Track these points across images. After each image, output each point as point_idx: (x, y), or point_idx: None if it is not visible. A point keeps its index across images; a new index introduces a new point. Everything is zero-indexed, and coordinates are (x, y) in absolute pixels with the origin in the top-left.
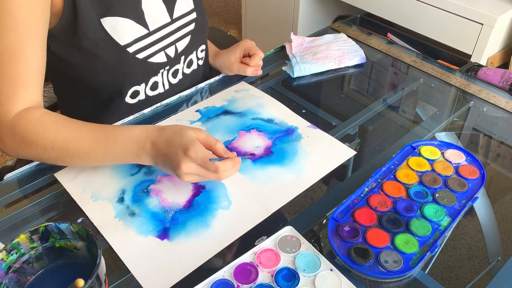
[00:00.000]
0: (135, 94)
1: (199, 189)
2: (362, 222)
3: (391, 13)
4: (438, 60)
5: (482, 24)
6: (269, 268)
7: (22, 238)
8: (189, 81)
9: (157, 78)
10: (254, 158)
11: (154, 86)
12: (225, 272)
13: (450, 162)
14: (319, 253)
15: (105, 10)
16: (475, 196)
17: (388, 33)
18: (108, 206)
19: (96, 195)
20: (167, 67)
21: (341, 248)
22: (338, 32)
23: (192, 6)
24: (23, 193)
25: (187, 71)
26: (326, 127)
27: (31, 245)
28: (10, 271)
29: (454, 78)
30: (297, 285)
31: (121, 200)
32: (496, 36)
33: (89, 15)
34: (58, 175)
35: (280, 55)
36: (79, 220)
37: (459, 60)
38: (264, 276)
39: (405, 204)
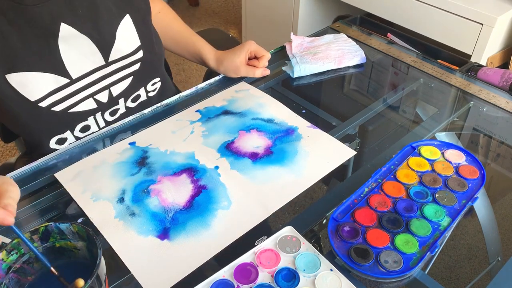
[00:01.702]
0: (62, 141)
1: (199, 189)
2: (362, 222)
3: (391, 13)
4: (438, 60)
5: (482, 24)
6: (269, 268)
7: None
8: (137, 111)
9: (87, 122)
10: (255, 158)
11: (85, 129)
12: (225, 272)
13: (450, 162)
14: (319, 253)
15: (10, 66)
16: (475, 196)
17: (388, 33)
18: (108, 206)
19: (96, 195)
20: (99, 112)
21: (341, 248)
22: (338, 32)
23: (138, 43)
24: (23, 193)
25: (132, 104)
26: (326, 127)
27: None
28: (10, 271)
29: (454, 78)
30: (297, 285)
31: (121, 200)
32: (496, 36)
33: None
34: (58, 175)
35: (280, 55)
36: (79, 220)
37: (459, 60)
38: (264, 276)
39: (405, 204)
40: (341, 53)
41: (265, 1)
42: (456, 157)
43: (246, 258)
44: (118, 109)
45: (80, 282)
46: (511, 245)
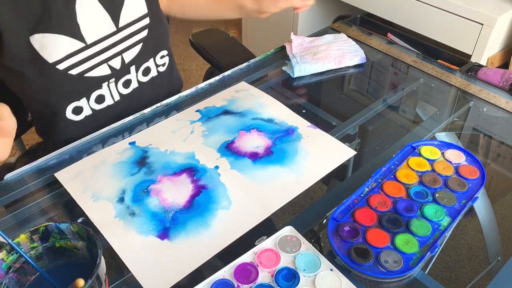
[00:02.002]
0: (78, 110)
1: (199, 189)
2: (362, 222)
3: (391, 13)
4: (438, 60)
5: (482, 24)
6: (269, 268)
7: (22, 238)
8: (148, 88)
9: (101, 91)
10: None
11: (100, 99)
12: (225, 272)
13: (450, 162)
14: (319, 253)
15: (33, 27)
16: (475, 196)
17: (388, 33)
18: (108, 206)
19: (96, 195)
20: (112, 79)
21: (341, 248)
22: (338, 32)
23: (145, 11)
24: (23, 193)
25: (144, 79)
26: (326, 127)
27: (31, 245)
28: (10, 271)
29: (454, 78)
30: (297, 285)
31: (121, 200)
32: (496, 36)
33: (16, 34)
34: (58, 175)
35: (280, 55)
36: (79, 220)
37: (459, 60)
38: (264, 276)
39: (405, 204)
40: (341, 53)
41: None
42: (456, 157)
43: (246, 258)
44: (131, 80)
45: (80, 282)
46: (511, 245)
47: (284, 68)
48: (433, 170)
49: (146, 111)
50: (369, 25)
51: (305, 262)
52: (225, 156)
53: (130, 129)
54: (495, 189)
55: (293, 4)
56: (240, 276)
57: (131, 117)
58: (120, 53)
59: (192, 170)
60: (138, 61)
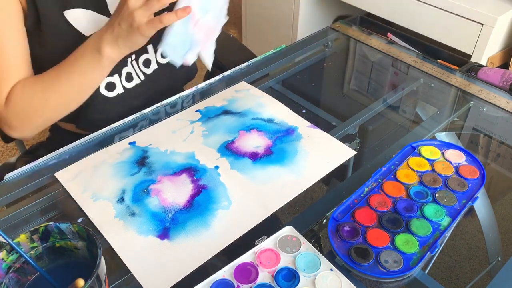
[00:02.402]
0: (111, 86)
1: (199, 189)
2: (362, 222)
3: (391, 13)
4: (438, 60)
5: (482, 24)
6: (269, 268)
7: (22, 238)
8: (167, 72)
9: (129, 68)
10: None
11: (129, 77)
12: (225, 272)
13: (450, 162)
14: (319, 253)
15: (66, 3)
16: (475, 196)
17: (388, 33)
18: (108, 206)
19: (96, 195)
20: (133, 56)
21: (341, 248)
22: (338, 32)
23: None
24: (23, 193)
25: (163, 60)
26: (326, 127)
27: (31, 245)
28: (10, 271)
29: (454, 78)
30: (297, 285)
31: (121, 200)
32: (496, 36)
33: (51, 10)
34: (58, 175)
35: (280, 55)
36: (79, 220)
37: (459, 60)
38: (264, 276)
39: (405, 204)
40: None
41: (265, 1)
42: (456, 157)
43: (246, 258)
44: (150, 60)
45: (80, 282)
46: (511, 245)
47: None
48: (433, 170)
49: (146, 111)
50: (369, 25)
51: (305, 262)
52: (225, 156)
53: (130, 129)
54: (495, 189)
55: None
56: (240, 276)
57: (131, 117)
58: None
59: (192, 170)
60: (155, 41)
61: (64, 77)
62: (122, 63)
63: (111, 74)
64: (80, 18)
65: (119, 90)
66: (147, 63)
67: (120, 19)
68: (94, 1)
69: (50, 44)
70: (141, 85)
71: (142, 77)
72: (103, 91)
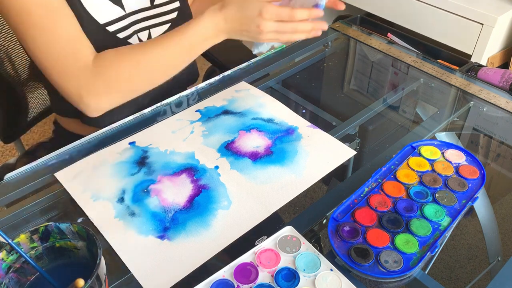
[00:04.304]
0: None
1: (199, 189)
2: (362, 222)
3: (391, 13)
4: (438, 60)
5: (482, 24)
6: (269, 268)
7: (22, 238)
8: None
9: None
10: (255, 159)
11: None
12: (225, 272)
13: (450, 162)
14: (319, 253)
15: None
16: (475, 196)
17: (388, 33)
18: (108, 206)
19: (96, 195)
20: None
21: (341, 248)
22: (338, 32)
23: None
24: (23, 193)
25: None
26: (326, 127)
27: (31, 245)
28: (10, 271)
29: (454, 78)
30: (297, 285)
31: (121, 200)
32: (496, 36)
33: None
34: (58, 175)
35: (280, 55)
36: (79, 220)
37: (459, 60)
38: (264, 276)
39: (405, 204)
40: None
41: None
42: (456, 157)
43: (246, 258)
44: None
45: (80, 282)
46: (511, 245)
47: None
48: (433, 170)
49: (146, 111)
50: (369, 25)
51: (305, 262)
52: (225, 156)
53: (130, 129)
54: (495, 189)
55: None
56: (240, 276)
57: (131, 117)
58: (148, 27)
59: (192, 170)
60: None
61: (164, 45)
62: None
63: None
64: (95, 6)
65: None
66: None
67: (246, 30)
68: None
69: None
70: None
71: None
72: None
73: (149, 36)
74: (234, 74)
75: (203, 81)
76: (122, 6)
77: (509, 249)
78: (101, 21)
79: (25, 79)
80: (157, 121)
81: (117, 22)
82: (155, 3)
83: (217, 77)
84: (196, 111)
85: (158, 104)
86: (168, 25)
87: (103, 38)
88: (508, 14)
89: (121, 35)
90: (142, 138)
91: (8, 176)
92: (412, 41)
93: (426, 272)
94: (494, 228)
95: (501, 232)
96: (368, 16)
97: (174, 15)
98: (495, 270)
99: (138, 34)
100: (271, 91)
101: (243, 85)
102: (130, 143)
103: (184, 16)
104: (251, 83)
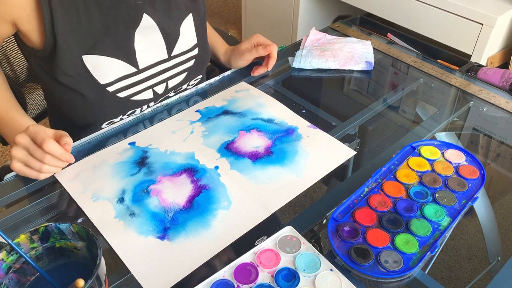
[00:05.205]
0: (112, 122)
1: (199, 189)
2: (362, 222)
3: (391, 13)
4: (438, 60)
5: (482, 24)
6: (269, 268)
7: (22, 238)
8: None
9: (137, 109)
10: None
11: (131, 113)
12: (225, 272)
13: (450, 162)
14: (319, 253)
15: (89, 47)
16: (475, 196)
17: (388, 33)
18: (108, 206)
19: (96, 195)
20: (152, 103)
21: (341, 248)
22: (338, 32)
23: (195, 41)
24: (23, 193)
25: (172, 94)
26: (326, 127)
27: (31, 245)
28: (10, 271)
29: (454, 78)
30: (297, 285)
31: (121, 200)
32: (496, 36)
33: (70, 52)
34: (58, 175)
35: (280, 55)
36: (79, 220)
37: (459, 60)
38: (264, 276)
39: (405, 204)
40: (350, 55)
41: (265, 1)
42: (456, 157)
43: (246, 258)
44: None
45: (80, 282)
46: (511, 245)
47: (289, 58)
48: (433, 170)
49: (146, 111)
50: (369, 25)
51: (305, 262)
52: (225, 156)
53: (130, 129)
54: (495, 189)
55: (258, 54)
56: (240, 276)
57: (131, 117)
58: (166, 80)
59: (192, 170)
60: (178, 86)
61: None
62: (134, 107)
63: (116, 116)
64: (98, 65)
65: (115, 121)
66: (160, 102)
67: (34, 152)
68: (120, 50)
69: (63, 84)
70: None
71: (144, 111)
72: (103, 126)
73: (166, 88)
74: (234, 74)
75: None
76: (134, 64)
77: (509, 249)
78: (102, 81)
79: (24, 80)
80: (157, 121)
81: (122, 80)
82: (172, 55)
83: (217, 77)
84: (196, 111)
85: (158, 104)
86: (185, 74)
87: (101, 98)
88: (508, 14)
89: (122, 94)
90: (142, 138)
91: (8, 176)
92: (412, 41)
93: (426, 272)
94: (494, 228)
95: (501, 232)
96: (368, 16)
97: (191, 63)
98: (495, 270)
99: (155, 88)
100: (271, 91)
101: (243, 85)
102: (130, 143)
103: (200, 62)
104: (251, 83)
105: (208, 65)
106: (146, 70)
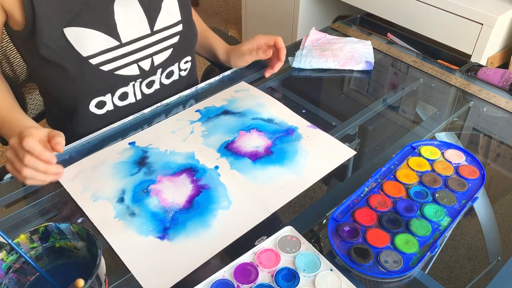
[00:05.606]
0: (101, 104)
1: (199, 189)
2: (362, 222)
3: (391, 13)
4: (438, 60)
5: (482, 24)
6: (269, 268)
7: (22, 238)
8: (168, 91)
9: (127, 88)
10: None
11: (123, 96)
12: (225, 272)
13: (450, 162)
14: (319, 253)
15: (69, 20)
16: (475, 196)
17: (388, 33)
18: (108, 206)
19: (96, 195)
20: (139, 80)
21: (341, 248)
22: (338, 32)
23: (179, 18)
24: (23, 193)
25: (166, 81)
26: (326, 127)
27: (31, 245)
28: (10, 271)
29: (454, 78)
30: (297, 285)
31: (121, 200)
32: (496, 36)
33: (51, 25)
34: None
35: None
36: (79, 220)
37: (459, 60)
38: (264, 276)
39: (405, 204)
40: (350, 55)
41: (265, 1)
42: (456, 157)
43: (246, 258)
44: (154, 81)
45: (80, 282)
46: (511, 245)
47: (289, 58)
48: (433, 170)
49: (146, 111)
50: (369, 25)
51: (305, 262)
52: (225, 156)
53: (130, 129)
54: (495, 189)
55: (258, 57)
56: (240, 276)
57: (131, 117)
58: (151, 55)
59: (192, 170)
60: (165, 64)
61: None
62: (121, 84)
63: (103, 94)
64: (80, 37)
65: (109, 107)
66: (150, 84)
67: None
68: (102, 22)
69: (45, 59)
70: (136, 104)
71: (139, 97)
72: (93, 108)
73: (152, 64)
74: (233, 74)
75: (202, 80)
76: (116, 37)
77: (509, 249)
78: (85, 53)
79: (24, 80)
80: (157, 121)
81: (105, 53)
82: (155, 29)
83: (216, 77)
84: (196, 111)
85: (158, 104)
86: (170, 50)
87: (84, 71)
88: (508, 14)
89: (105, 67)
90: (142, 138)
91: (8, 176)
92: (412, 41)
93: (426, 272)
94: (494, 228)
95: (501, 232)
96: (368, 16)
97: (175, 39)
98: (495, 270)
99: (139, 63)
100: (271, 91)
101: (243, 85)
102: (130, 143)
103: (187, 39)
104: (251, 83)
105: (208, 65)
106: (129, 44)
